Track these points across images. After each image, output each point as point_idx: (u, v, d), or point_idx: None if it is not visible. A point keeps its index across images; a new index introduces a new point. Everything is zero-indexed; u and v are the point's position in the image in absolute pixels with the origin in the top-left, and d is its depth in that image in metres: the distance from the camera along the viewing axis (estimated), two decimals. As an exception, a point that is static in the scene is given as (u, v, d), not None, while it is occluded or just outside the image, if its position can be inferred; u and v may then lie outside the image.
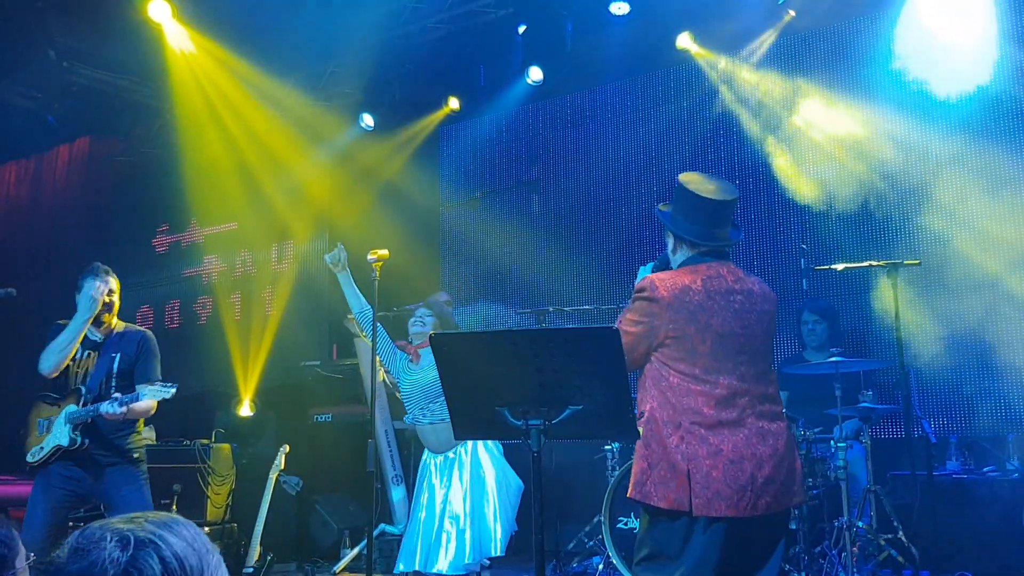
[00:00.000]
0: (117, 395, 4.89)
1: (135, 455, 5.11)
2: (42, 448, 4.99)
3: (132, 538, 1.41)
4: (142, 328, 5.37)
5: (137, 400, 4.85)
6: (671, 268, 3.66)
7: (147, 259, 11.08)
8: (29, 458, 5.04)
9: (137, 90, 9.70)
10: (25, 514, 4.99)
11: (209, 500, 7.86)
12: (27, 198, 11.91)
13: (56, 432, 4.96)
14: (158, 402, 5.01)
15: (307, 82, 9.32)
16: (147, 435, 8.43)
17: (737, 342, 3.41)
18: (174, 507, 7.43)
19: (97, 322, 5.12)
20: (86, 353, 5.14)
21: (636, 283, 3.62)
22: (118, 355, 5.11)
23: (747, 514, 3.25)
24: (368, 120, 9.25)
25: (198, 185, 9.93)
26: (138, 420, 5.15)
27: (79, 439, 4.93)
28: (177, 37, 8.42)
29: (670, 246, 3.70)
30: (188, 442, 8.17)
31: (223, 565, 1.50)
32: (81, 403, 4.98)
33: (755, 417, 3.37)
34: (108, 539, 1.40)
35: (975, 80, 6.66)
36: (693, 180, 3.67)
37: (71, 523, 5.24)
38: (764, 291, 3.62)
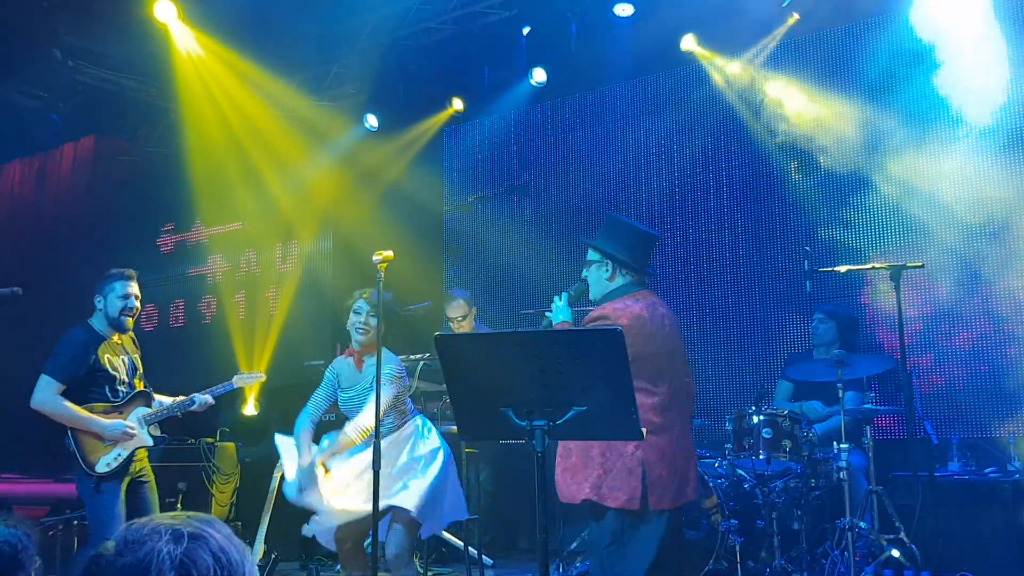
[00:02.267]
0: (202, 393, 5.35)
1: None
2: (119, 455, 5.02)
3: (184, 532, 1.44)
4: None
5: (221, 391, 5.43)
6: (599, 295, 4.14)
7: (152, 258, 11.09)
8: (99, 468, 4.97)
9: (142, 90, 9.73)
10: (108, 524, 4.89)
11: (214, 499, 7.89)
12: (32, 197, 11.93)
13: (140, 435, 5.12)
14: None
15: (311, 82, 9.35)
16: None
17: (670, 357, 4.01)
18: (179, 505, 7.47)
19: (118, 325, 5.20)
20: (121, 358, 5.24)
21: (555, 314, 4.18)
22: (129, 358, 5.28)
23: (678, 504, 3.97)
24: (372, 121, 9.27)
25: (203, 185, 9.95)
26: None
27: (163, 436, 5.26)
28: (182, 37, 8.45)
29: (604, 274, 4.13)
30: (193, 441, 8.20)
31: (253, 560, 1.54)
32: (148, 403, 5.21)
33: (681, 420, 4.01)
34: (161, 533, 1.44)
35: (984, 84, 6.67)
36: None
37: None
38: (671, 312, 4.24)
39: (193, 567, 1.41)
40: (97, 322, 5.17)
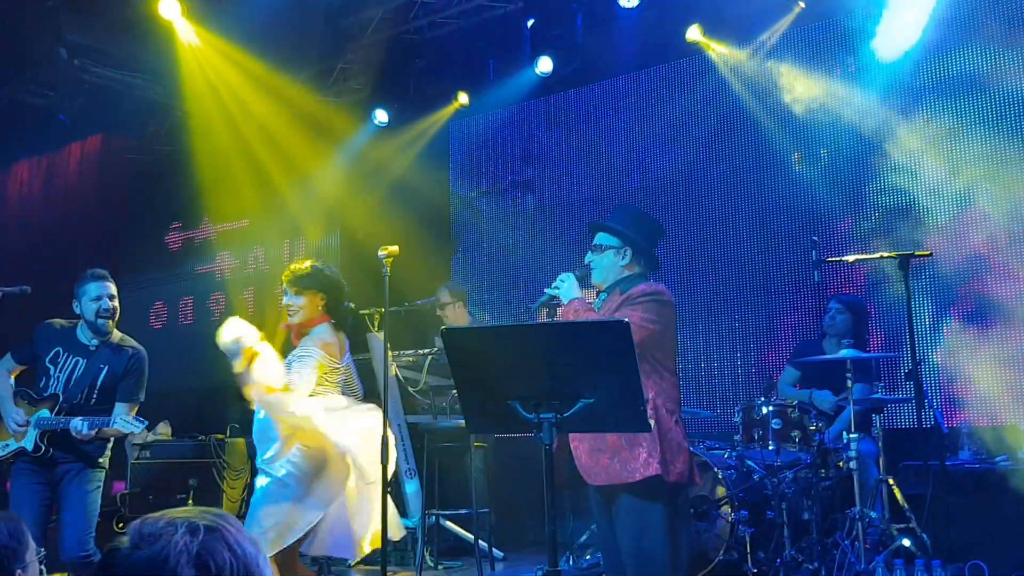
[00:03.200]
0: (85, 418, 4.80)
1: (98, 460, 5.05)
2: (7, 446, 4.96)
3: (200, 525, 1.45)
4: (138, 346, 5.24)
5: (107, 426, 4.78)
6: (611, 281, 4.05)
7: (160, 256, 11.13)
8: None
9: (149, 88, 9.74)
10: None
11: (224, 494, 7.93)
12: (40, 196, 11.96)
13: (27, 436, 4.91)
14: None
15: (317, 78, 9.35)
16: (161, 431, 8.53)
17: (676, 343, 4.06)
18: (190, 501, 7.50)
19: (97, 329, 5.07)
20: (74, 359, 5.06)
21: (564, 291, 4.04)
22: (106, 368, 5.04)
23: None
24: (382, 116, 9.27)
25: (210, 182, 9.96)
26: (103, 443, 5.06)
27: (43, 447, 4.89)
28: (187, 34, 8.45)
29: (622, 260, 4.04)
30: (203, 437, 8.24)
31: (266, 554, 1.54)
32: (55, 410, 4.92)
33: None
34: (177, 526, 1.44)
35: (994, 70, 6.65)
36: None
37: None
38: None
39: (211, 559, 1.42)
40: (82, 323, 5.13)
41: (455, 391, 6.53)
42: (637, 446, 3.74)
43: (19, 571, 2.44)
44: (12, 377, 5.16)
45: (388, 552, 4.32)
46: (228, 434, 8.39)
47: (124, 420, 4.75)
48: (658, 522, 3.72)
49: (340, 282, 4.68)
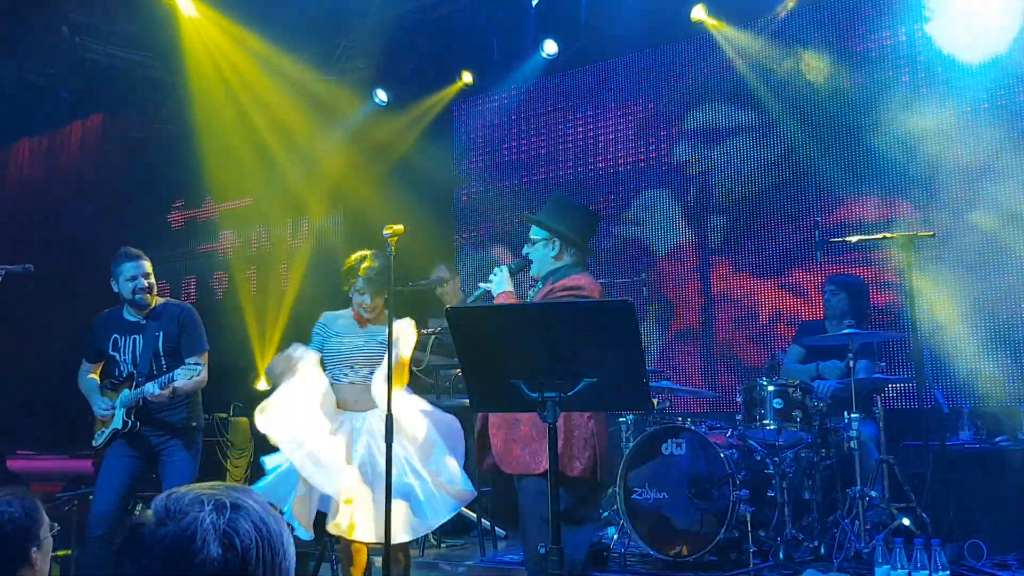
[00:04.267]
0: (154, 381, 5.01)
1: (190, 426, 5.27)
2: (103, 432, 5.19)
3: (227, 502, 1.46)
4: (181, 302, 5.50)
5: (173, 381, 4.96)
6: (543, 272, 4.20)
7: (163, 235, 11.13)
8: (94, 442, 5.25)
9: (151, 66, 9.71)
10: (95, 491, 5.17)
11: (228, 473, 7.96)
12: (41, 175, 11.95)
13: (115, 416, 5.13)
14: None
15: (320, 57, 9.31)
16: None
17: None
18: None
19: (138, 305, 5.24)
20: (131, 338, 5.26)
21: (496, 285, 4.20)
22: (161, 333, 5.23)
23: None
24: (382, 95, 9.24)
25: (213, 161, 9.95)
26: (191, 395, 5.27)
27: (131, 422, 5.10)
28: (189, 12, 8.43)
29: (552, 252, 4.19)
30: (206, 416, 8.25)
31: (288, 530, 1.55)
32: (133, 386, 5.13)
33: None
34: (204, 502, 1.44)
35: (998, 48, 6.63)
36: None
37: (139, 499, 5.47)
38: None
39: (236, 537, 1.42)
40: (124, 304, 5.33)
41: (458, 370, 6.60)
42: (544, 438, 3.83)
43: (33, 549, 2.45)
44: (95, 374, 5.40)
45: (389, 525, 4.33)
46: (231, 413, 8.41)
47: (182, 370, 4.97)
48: (541, 516, 3.80)
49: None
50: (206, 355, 5.29)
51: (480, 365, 3.21)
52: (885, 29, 7.17)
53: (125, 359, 5.24)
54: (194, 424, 5.30)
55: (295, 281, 9.81)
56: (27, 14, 8.72)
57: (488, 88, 9.24)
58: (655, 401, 6.26)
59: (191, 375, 4.97)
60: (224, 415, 8.32)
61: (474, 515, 6.58)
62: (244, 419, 8.38)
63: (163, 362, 5.19)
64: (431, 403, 5.28)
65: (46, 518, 2.54)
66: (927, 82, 6.99)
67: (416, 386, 7.20)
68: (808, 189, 7.46)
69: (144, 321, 5.27)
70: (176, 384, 4.96)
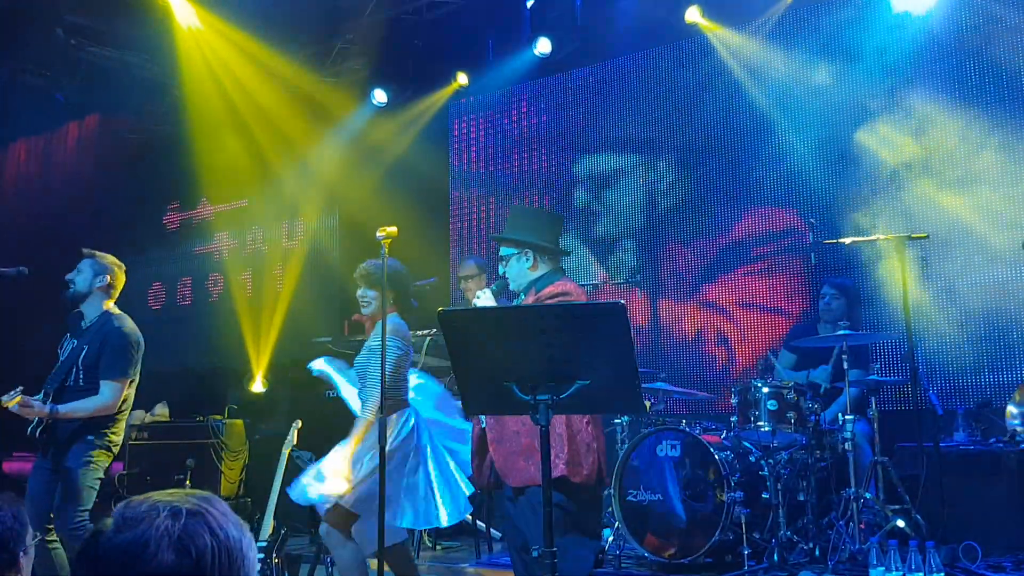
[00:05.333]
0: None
1: (87, 440, 4.95)
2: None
3: (183, 509, 1.46)
4: (121, 318, 5.16)
5: (56, 410, 4.79)
6: (523, 285, 4.24)
7: (158, 237, 11.13)
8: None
9: (146, 67, 9.70)
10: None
11: (223, 475, 7.96)
12: (36, 176, 11.95)
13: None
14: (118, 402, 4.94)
15: (315, 58, 9.32)
16: (159, 412, 8.56)
17: None
18: (188, 482, 7.52)
19: (94, 308, 5.11)
20: (72, 341, 5.10)
21: (478, 304, 4.20)
22: (87, 346, 5.01)
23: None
24: (380, 96, 9.23)
25: (208, 162, 9.95)
26: (92, 420, 4.97)
27: (34, 431, 4.91)
28: (184, 13, 8.42)
29: (526, 263, 4.24)
30: (201, 418, 8.26)
31: (251, 537, 1.55)
32: (43, 394, 4.93)
33: None
34: (159, 510, 1.45)
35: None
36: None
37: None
38: None
39: (191, 544, 1.43)
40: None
41: (453, 373, 6.59)
42: (558, 444, 3.92)
43: (21, 554, 2.47)
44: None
45: (383, 530, 4.33)
46: (226, 415, 8.42)
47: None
48: (561, 521, 3.84)
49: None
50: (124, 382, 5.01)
51: (473, 368, 3.21)
52: (878, 34, 7.14)
53: (59, 363, 5.08)
54: (89, 437, 4.96)
55: (290, 283, 9.81)
56: (23, 16, 8.71)
57: (483, 88, 9.24)
58: (648, 403, 6.28)
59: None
60: (219, 417, 8.33)
61: (469, 517, 6.57)
62: (239, 421, 8.38)
63: (82, 377, 4.96)
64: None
65: (30, 526, 2.56)
66: (922, 85, 6.99)
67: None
68: (802, 191, 7.44)
69: (88, 327, 5.10)
70: (63, 411, 4.81)
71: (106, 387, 4.93)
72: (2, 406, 4.74)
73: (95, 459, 4.97)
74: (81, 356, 4.99)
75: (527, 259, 4.25)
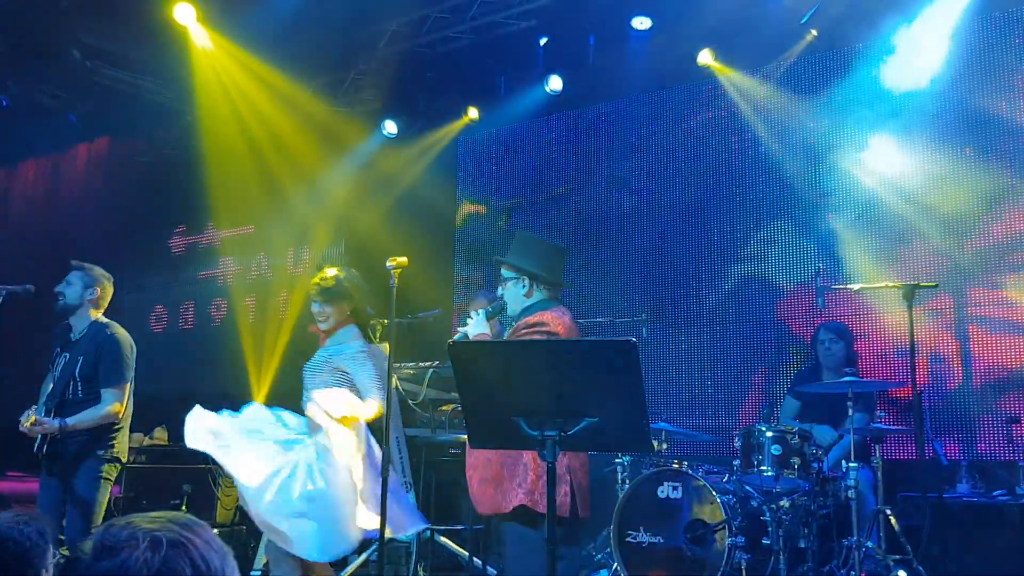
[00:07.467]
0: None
1: (96, 455, 5.01)
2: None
3: (164, 539, 1.42)
4: (112, 325, 5.18)
5: (65, 423, 4.83)
6: (517, 310, 4.30)
7: (163, 260, 11.12)
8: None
9: (160, 92, 9.75)
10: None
11: (219, 502, 7.88)
12: (44, 196, 11.98)
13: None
14: (117, 408, 4.98)
15: (329, 88, 9.38)
16: (158, 435, 8.51)
17: None
18: (184, 508, 7.46)
19: (82, 319, 5.12)
20: (64, 355, 5.10)
21: (473, 327, 4.28)
22: (81, 358, 5.02)
23: (588, 514, 4.27)
24: (391, 127, 9.29)
25: (216, 188, 9.97)
26: (100, 428, 5.02)
27: (39, 449, 4.96)
28: (202, 40, 8.47)
29: (522, 289, 4.31)
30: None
31: (235, 564, 1.52)
32: (45, 410, 4.96)
33: None
34: (139, 539, 1.41)
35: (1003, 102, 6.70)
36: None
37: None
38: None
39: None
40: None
41: (455, 405, 6.56)
42: (514, 477, 3.97)
43: (44, 572, 2.43)
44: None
45: (383, 566, 4.30)
46: (225, 441, 8.34)
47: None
48: (530, 551, 3.85)
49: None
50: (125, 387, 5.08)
51: (480, 401, 3.19)
52: (890, 81, 7.19)
53: (54, 375, 5.09)
54: (97, 455, 5.01)
55: (294, 310, 9.78)
56: (39, 37, 8.77)
57: (493, 123, 9.29)
58: (655, 443, 6.23)
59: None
60: (218, 442, 8.25)
61: (465, 553, 6.51)
62: (238, 447, 8.30)
63: (80, 389, 5.00)
64: (426, 437, 5.24)
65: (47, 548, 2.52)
66: (933, 133, 7.02)
67: (412, 419, 7.20)
68: (811, 235, 7.46)
69: (77, 339, 5.13)
70: (72, 422, 4.86)
71: (108, 394, 4.98)
72: (20, 428, 4.78)
73: (105, 473, 5.05)
74: (76, 368, 5.01)
75: (523, 285, 4.32)
